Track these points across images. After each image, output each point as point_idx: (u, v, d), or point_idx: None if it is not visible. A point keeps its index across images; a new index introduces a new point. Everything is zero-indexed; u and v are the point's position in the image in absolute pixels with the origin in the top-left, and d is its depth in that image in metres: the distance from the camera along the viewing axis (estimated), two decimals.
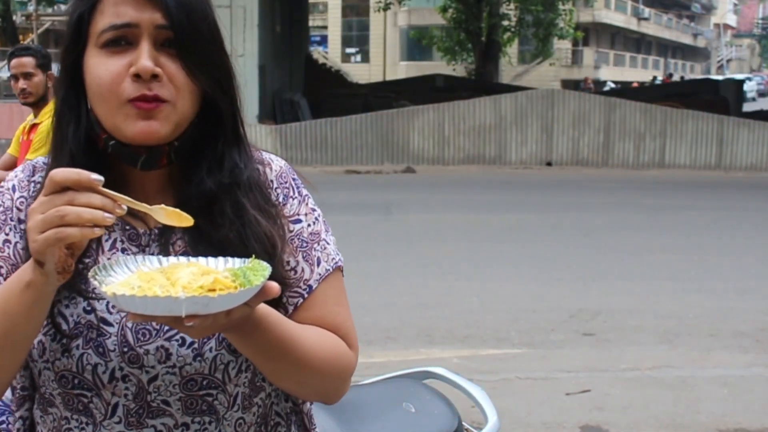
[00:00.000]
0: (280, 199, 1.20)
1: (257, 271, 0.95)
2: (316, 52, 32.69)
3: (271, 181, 1.21)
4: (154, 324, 1.06)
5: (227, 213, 1.12)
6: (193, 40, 1.08)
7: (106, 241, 1.13)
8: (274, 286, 0.95)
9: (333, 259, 1.22)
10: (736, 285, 6.64)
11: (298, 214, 1.21)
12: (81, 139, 1.11)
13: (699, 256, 7.71)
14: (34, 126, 4.19)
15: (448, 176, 14.74)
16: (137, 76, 1.06)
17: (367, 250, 7.87)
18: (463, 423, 1.78)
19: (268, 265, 0.96)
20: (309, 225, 1.21)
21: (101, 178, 0.93)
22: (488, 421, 1.85)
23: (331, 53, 40.80)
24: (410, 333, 5.31)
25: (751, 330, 5.43)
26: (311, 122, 16.31)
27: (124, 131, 1.08)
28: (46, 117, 4.00)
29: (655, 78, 43.19)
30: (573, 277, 6.90)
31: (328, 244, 1.22)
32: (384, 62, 39.24)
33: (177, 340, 1.09)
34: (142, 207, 0.97)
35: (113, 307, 1.08)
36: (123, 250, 1.13)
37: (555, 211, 10.49)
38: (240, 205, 1.13)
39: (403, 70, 38.19)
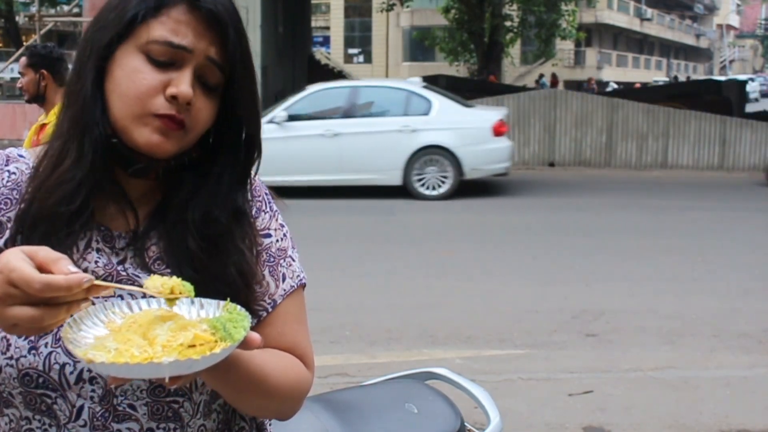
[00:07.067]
0: (253, 212, 1.21)
1: (237, 322, 0.96)
2: (319, 53, 32.69)
3: None
4: None
5: (218, 243, 1.14)
6: (238, 85, 1.11)
7: (81, 239, 1.12)
8: (256, 338, 0.98)
9: (298, 276, 1.24)
10: (738, 286, 6.63)
11: (268, 229, 1.23)
12: (107, 127, 1.08)
13: (702, 257, 7.70)
14: (43, 126, 4.23)
15: None
16: (173, 98, 1.06)
17: (369, 250, 7.88)
18: (466, 424, 1.78)
19: (246, 314, 0.97)
20: (277, 240, 1.23)
21: (91, 277, 0.90)
22: (491, 422, 1.85)
23: (333, 54, 40.78)
24: (413, 333, 5.31)
25: (754, 331, 5.43)
26: None
27: (136, 137, 1.08)
28: (54, 117, 4.06)
29: (656, 82, 43.10)
30: (575, 277, 6.90)
31: (293, 260, 1.24)
32: (386, 63, 39.30)
33: None
34: (141, 290, 0.98)
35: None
36: (98, 251, 1.12)
37: (557, 211, 10.48)
38: (230, 235, 1.15)
39: (405, 70, 38.19)
